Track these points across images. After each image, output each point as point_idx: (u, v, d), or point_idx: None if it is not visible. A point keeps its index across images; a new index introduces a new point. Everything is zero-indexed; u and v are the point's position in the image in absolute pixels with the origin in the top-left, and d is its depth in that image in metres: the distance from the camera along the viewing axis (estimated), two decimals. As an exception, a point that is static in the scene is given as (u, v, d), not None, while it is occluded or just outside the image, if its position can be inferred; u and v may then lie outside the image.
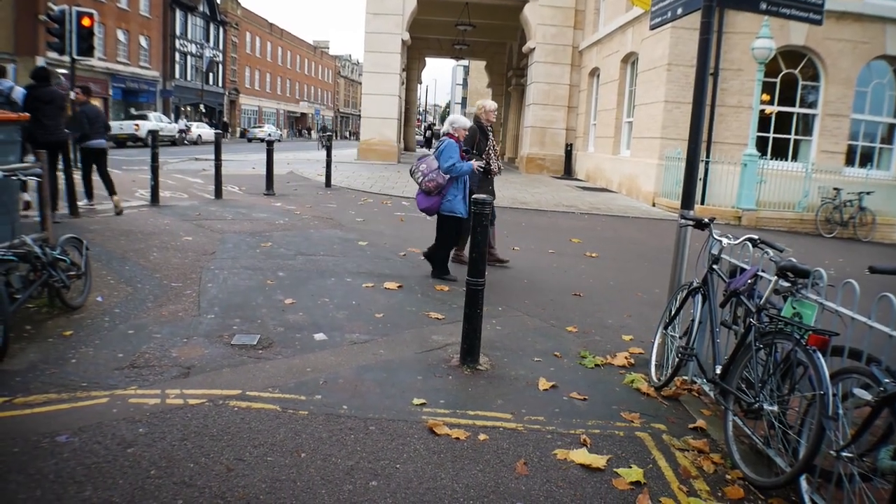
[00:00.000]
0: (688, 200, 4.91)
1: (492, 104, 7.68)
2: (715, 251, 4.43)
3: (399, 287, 6.75)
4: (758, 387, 3.50)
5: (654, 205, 16.18)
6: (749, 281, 4.00)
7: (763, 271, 4.01)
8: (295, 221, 10.49)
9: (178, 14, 49.76)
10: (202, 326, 5.19)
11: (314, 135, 77.71)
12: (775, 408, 3.41)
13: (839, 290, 3.29)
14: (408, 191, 15.68)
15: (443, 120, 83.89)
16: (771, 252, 3.95)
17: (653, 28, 5.85)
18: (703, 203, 14.83)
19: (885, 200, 14.94)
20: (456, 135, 6.74)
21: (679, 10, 5.23)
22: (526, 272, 7.90)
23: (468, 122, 7.15)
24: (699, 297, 4.36)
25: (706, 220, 4.47)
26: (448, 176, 6.53)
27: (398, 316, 5.79)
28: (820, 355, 3.12)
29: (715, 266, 4.35)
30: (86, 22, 16.00)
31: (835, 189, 14.61)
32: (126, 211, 10.57)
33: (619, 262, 9.08)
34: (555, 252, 9.42)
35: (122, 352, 4.55)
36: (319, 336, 5.11)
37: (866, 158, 16.88)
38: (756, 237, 4.23)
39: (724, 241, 4.33)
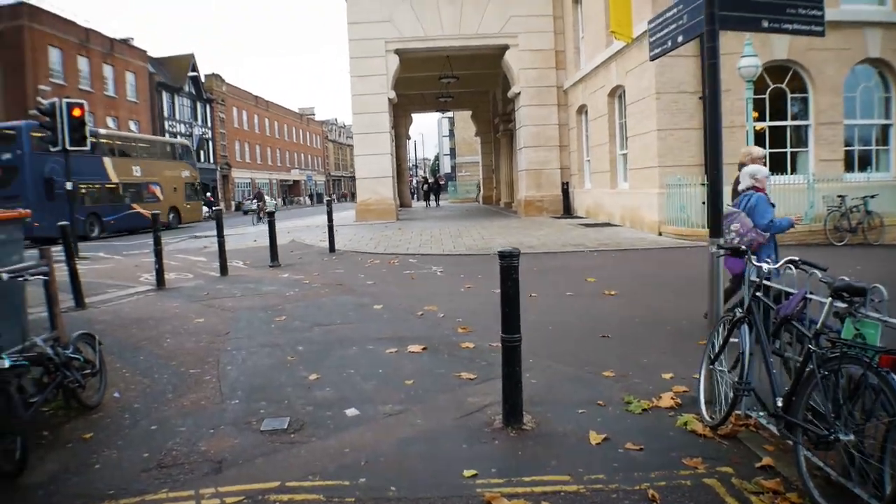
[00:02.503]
0: (717, 228, 4.75)
1: (759, 150, 6.97)
2: (755, 277, 4.25)
3: (423, 349, 6.53)
4: (830, 416, 3.28)
5: (660, 234, 16.04)
6: (799, 305, 3.81)
7: (811, 293, 3.84)
8: (305, 291, 10.31)
9: (165, 96, 50.54)
10: (227, 414, 4.96)
11: (305, 200, 78.19)
12: (852, 437, 3.19)
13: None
14: (413, 248, 15.58)
15: (434, 173, 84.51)
16: (819, 273, 3.76)
17: (653, 59, 5.76)
18: (708, 226, 14.63)
19: (889, 201, 14.78)
20: (761, 186, 6.01)
21: (680, 38, 5.15)
22: (548, 318, 7.69)
23: (767, 172, 6.34)
24: (745, 328, 4.16)
25: (744, 247, 4.29)
26: (768, 234, 5.91)
27: (428, 380, 5.57)
28: (895, 376, 2.92)
29: (758, 293, 4.15)
30: (76, 112, 16.13)
31: (839, 196, 14.48)
32: (134, 297, 10.40)
33: (639, 297, 8.87)
34: (573, 294, 9.21)
35: (148, 451, 4.31)
36: (351, 411, 4.88)
37: (865, 162, 16.88)
38: (797, 258, 4.05)
39: (765, 266, 4.14)
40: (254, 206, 34.94)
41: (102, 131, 32.73)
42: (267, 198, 41.42)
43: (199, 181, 39.88)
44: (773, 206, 5.96)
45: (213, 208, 15.42)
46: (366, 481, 3.71)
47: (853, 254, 12.59)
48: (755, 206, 5.64)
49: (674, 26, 5.23)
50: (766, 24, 4.87)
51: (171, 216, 34.25)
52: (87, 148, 17.70)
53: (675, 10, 5.20)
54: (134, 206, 30.45)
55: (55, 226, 24.46)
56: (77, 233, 26.50)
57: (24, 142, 24.70)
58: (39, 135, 23.16)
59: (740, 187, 5.55)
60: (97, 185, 29.11)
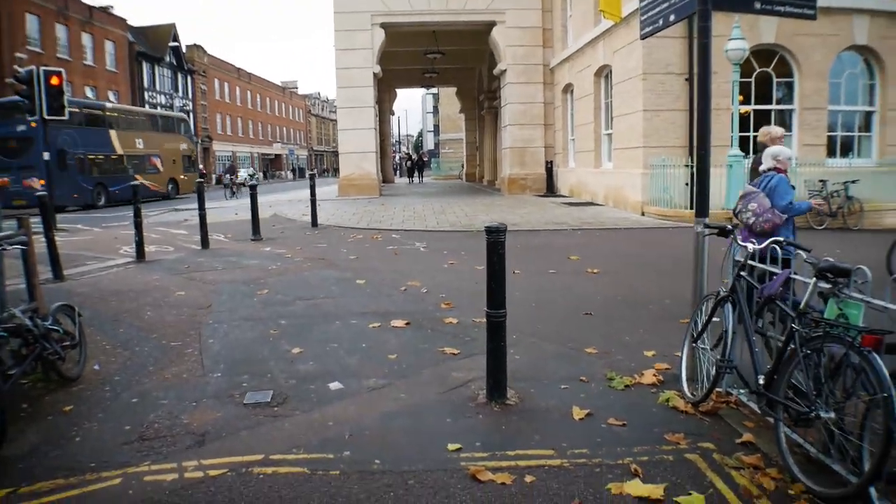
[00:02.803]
0: (703, 208, 4.76)
1: (778, 130, 6.90)
2: (740, 257, 4.27)
3: (407, 324, 6.52)
4: (811, 394, 3.32)
5: (643, 214, 16.10)
6: (783, 285, 3.85)
7: (795, 273, 3.87)
8: (288, 265, 10.25)
9: (145, 66, 49.64)
10: (210, 387, 4.93)
11: (288, 174, 77.57)
12: (832, 414, 3.23)
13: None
14: (396, 224, 15.53)
15: (417, 149, 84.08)
16: (804, 254, 3.79)
17: (643, 37, 5.73)
18: (691, 207, 14.73)
19: (870, 187, 14.93)
20: (782, 167, 6.00)
21: (672, 17, 5.12)
22: (532, 295, 7.70)
23: (790, 153, 6.33)
24: (729, 307, 4.18)
25: (729, 226, 4.31)
26: (785, 216, 5.87)
27: (412, 355, 5.57)
28: (876, 356, 2.96)
29: (742, 273, 4.18)
30: (54, 81, 15.79)
31: (820, 181, 14.58)
32: (113, 269, 10.29)
33: (622, 276, 8.91)
34: (556, 272, 9.24)
35: (129, 423, 4.27)
36: (335, 385, 4.87)
37: (847, 148, 17.02)
38: (781, 239, 4.08)
39: (750, 246, 4.16)
40: (227, 181, 34.19)
41: (108, 105, 34.13)
42: (242, 171, 40.97)
43: (196, 153, 40.88)
44: (793, 188, 5.93)
45: (196, 181, 15.35)
46: (350, 454, 3.71)
47: (833, 237, 12.71)
48: (775, 188, 5.49)
49: (665, 5, 5.19)
50: (758, 5, 4.86)
51: (170, 187, 35.17)
52: (66, 117, 17.55)
53: (666, -12, 5.16)
54: (137, 176, 30.68)
55: (69, 195, 25.18)
56: (86, 201, 27.94)
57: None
58: None
59: (761, 168, 5.47)
60: (103, 157, 30.11)
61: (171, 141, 36.71)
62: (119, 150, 31.42)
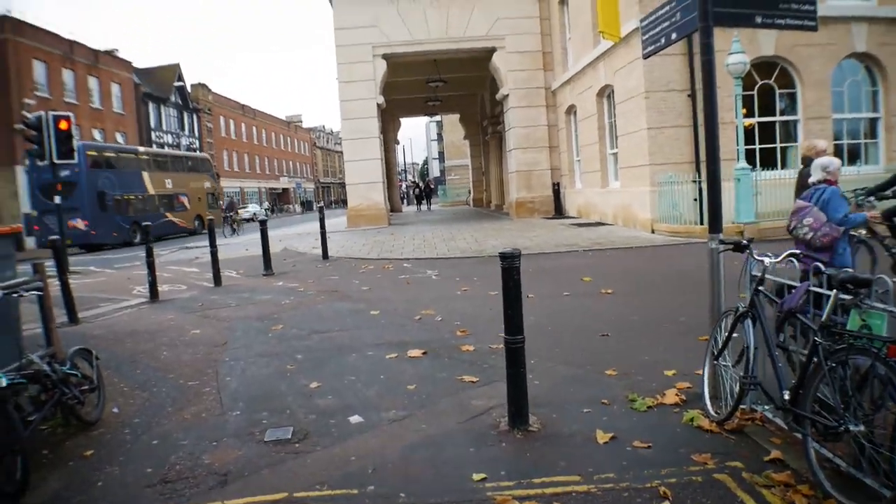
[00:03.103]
0: (716, 223, 4.73)
1: (822, 142, 6.85)
2: (756, 272, 4.24)
3: (423, 354, 6.50)
4: (839, 408, 3.27)
5: (653, 231, 16.06)
6: (803, 298, 3.81)
7: (814, 285, 3.83)
8: (301, 299, 10.25)
9: (151, 107, 50.31)
10: (229, 425, 4.90)
11: (296, 208, 77.92)
12: (862, 427, 3.18)
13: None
14: (406, 252, 15.54)
15: (423, 177, 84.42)
16: (822, 267, 3.76)
17: (646, 57, 5.76)
18: (701, 223, 14.72)
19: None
20: (833, 179, 5.84)
21: (673, 35, 5.15)
22: (547, 319, 7.66)
23: (839, 163, 6.17)
24: (749, 322, 4.14)
25: (744, 241, 4.28)
26: (842, 228, 5.71)
27: (431, 385, 5.53)
28: (903, 366, 2.92)
29: (760, 287, 4.14)
30: (63, 125, 16.00)
31: (829, 190, 14.50)
32: (127, 310, 10.32)
33: (636, 296, 8.86)
34: (570, 294, 9.20)
35: (151, 466, 4.25)
36: (355, 419, 4.84)
37: (854, 155, 16.97)
38: (798, 251, 4.06)
39: (767, 260, 4.13)
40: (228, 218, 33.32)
41: (141, 149, 37.13)
42: (251, 206, 41.61)
43: (218, 191, 43.54)
44: (847, 199, 5.78)
45: (206, 219, 15.53)
46: (374, 489, 3.68)
47: (846, 246, 12.61)
48: (829, 200, 5.27)
49: (667, 24, 5.23)
50: (759, 19, 4.88)
51: (197, 223, 37.00)
52: (74, 161, 17.91)
53: (668, 8, 5.20)
54: (167, 214, 33.84)
55: (108, 233, 26.92)
56: (124, 239, 29.62)
57: (81, 159, 26.94)
58: (94, 153, 29.97)
59: (811, 180, 5.35)
60: (137, 197, 32.31)
61: (196, 180, 38.92)
62: (151, 190, 33.46)
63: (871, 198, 8.28)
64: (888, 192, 8.31)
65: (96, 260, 22.80)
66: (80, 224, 26.85)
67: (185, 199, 36.67)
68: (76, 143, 29.45)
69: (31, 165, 28.09)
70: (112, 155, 31.90)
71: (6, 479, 3.91)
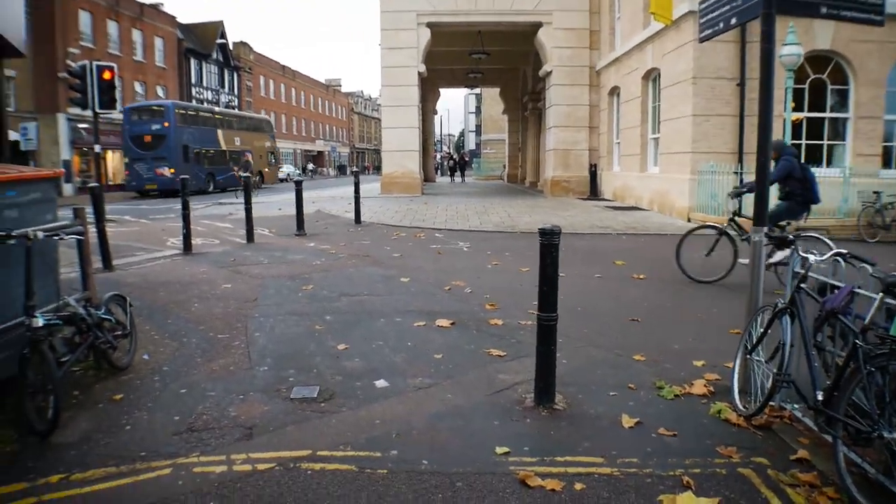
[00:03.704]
0: (761, 217, 4.63)
1: None
2: (799, 269, 4.15)
3: (452, 324, 6.50)
4: (874, 413, 3.20)
5: (689, 220, 15.83)
6: (846, 299, 3.72)
7: (859, 287, 3.74)
8: (332, 261, 10.30)
9: (193, 63, 50.50)
10: (257, 380, 4.96)
11: (331, 171, 78.17)
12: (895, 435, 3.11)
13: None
14: (439, 223, 15.52)
15: (458, 149, 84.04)
16: (869, 268, 3.67)
17: (702, 40, 5.61)
18: (739, 215, 14.46)
19: (926, 200, 14.48)
20: None
21: (734, 20, 5.00)
22: (577, 299, 7.61)
23: None
24: (787, 319, 4.06)
25: (790, 236, 4.19)
26: None
27: (458, 355, 5.54)
28: (946, 376, 2.84)
29: (803, 285, 4.06)
30: (106, 75, 16.11)
31: (874, 192, 14.18)
32: (161, 261, 10.48)
33: (668, 283, 8.76)
34: (601, 276, 9.13)
35: (178, 414, 4.33)
36: (381, 383, 4.87)
37: (902, 159, 16.52)
38: (845, 251, 3.95)
39: (812, 257, 4.04)
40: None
41: (217, 109, 42.32)
42: (285, 167, 42.29)
43: (276, 149, 48.38)
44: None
45: (243, 174, 15.67)
46: (397, 454, 3.70)
47: (886, 251, 12.32)
48: None
49: (727, 7, 5.07)
50: (824, 9, 4.70)
51: (258, 178, 39.25)
52: (118, 110, 18.20)
53: (729, -9, 5.05)
54: (235, 168, 35.53)
55: (189, 182, 29.64)
56: (201, 187, 32.33)
57: (171, 116, 32.66)
58: (182, 111, 34.42)
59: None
60: (213, 151, 36.26)
61: (259, 139, 42.89)
62: (223, 146, 37.44)
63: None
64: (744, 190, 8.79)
65: (132, 210, 23.14)
66: (166, 172, 30.63)
67: (250, 156, 38.38)
68: (166, 101, 35.22)
69: (126, 118, 32.82)
70: (194, 113, 36.33)
71: (38, 417, 4.01)
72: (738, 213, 9.20)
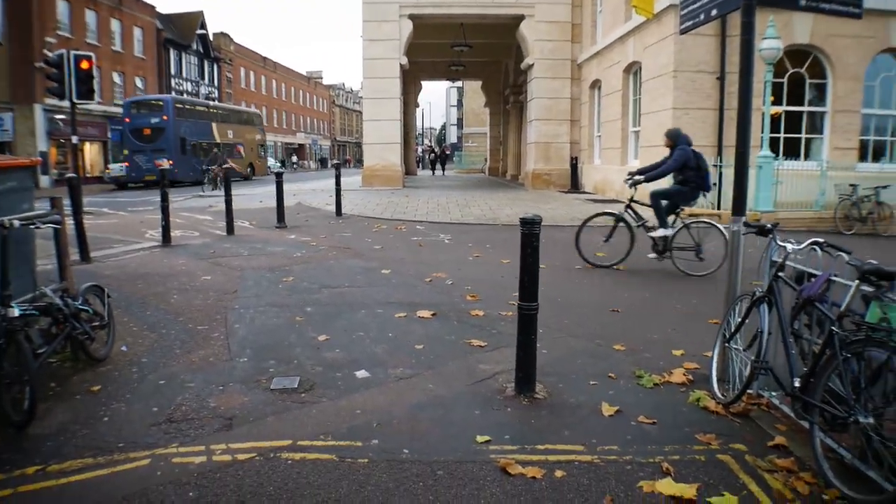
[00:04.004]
0: (739, 207, 4.67)
1: None
2: (777, 257, 4.19)
3: (433, 315, 6.50)
4: (850, 399, 3.24)
5: (669, 213, 15.94)
6: (823, 287, 3.76)
7: (835, 275, 3.78)
8: (313, 253, 10.26)
9: (172, 53, 49.92)
10: (237, 371, 4.93)
11: (312, 164, 77.77)
12: (871, 420, 3.16)
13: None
14: (420, 215, 15.51)
15: (440, 142, 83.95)
16: (845, 256, 3.71)
17: (683, 32, 5.64)
18: (718, 207, 14.61)
19: (901, 193, 14.69)
20: None
21: (714, 12, 5.04)
22: (558, 290, 7.64)
23: None
24: (765, 307, 4.10)
25: (769, 226, 4.22)
26: None
27: (439, 346, 5.54)
28: (922, 362, 2.89)
29: (780, 273, 4.10)
30: (84, 65, 15.91)
31: (851, 185, 14.38)
32: (140, 252, 10.37)
33: (649, 274, 8.83)
34: (581, 268, 9.17)
35: (157, 405, 4.29)
36: (362, 373, 4.86)
37: (879, 153, 16.77)
38: (822, 240, 3.99)
39: (789, 246, 4.08)
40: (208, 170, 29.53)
41: (212, 103, 44.74)
42: (270, 160, 42.51)
43: (265, 142, 50.35)
44: None
45: (224, 166, 15.63)
46: (378, 443, 3.69)
47: (862, 243, 12.48)
48: None
49: (707, -1, 5.11)
50: (803, 2, 4.75)
51: (249, 170, 42.23)
52: (95, 101, 17.98)
53: (709, -18, 5.08)
54: (228, 160, 36.94)
55: (187, 173, 32.10)
56: (197, 178, 32.19)
57: (169, 110, 34.27)
58: (179, 105, 36.01)
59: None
60: (207, 144, 37.22)
61: (249, 132, 45.05)
62: (217, 139, 38.82)
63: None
64: (641, 178, 9.25)
65: (110, 202, 22.90)
66: (165, 163, 30.08)
67: (241, 148, 42.11)
68: (164, 96, 36.86)
69: (126, 111, 34.59)
70: (191, 107, 38.10)
71: (14, 409, 3.95)
72: (633, 199, 9.43)
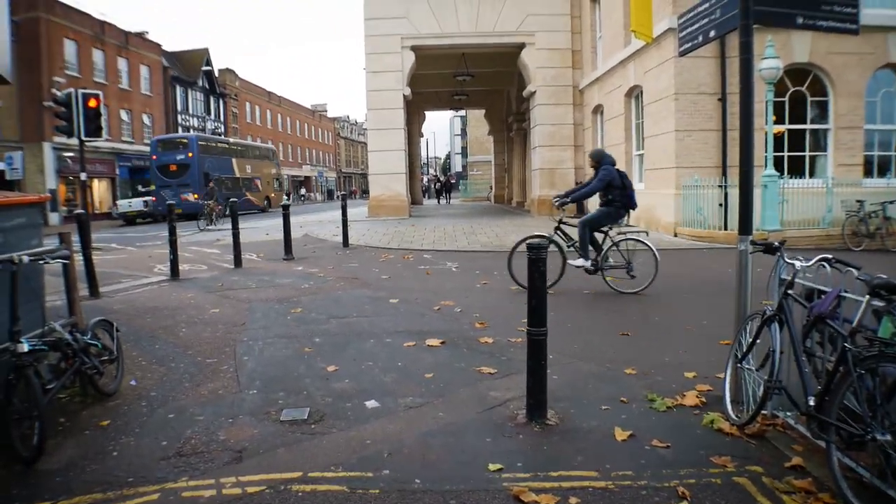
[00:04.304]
0: (746, 226, 4.65)
1: None
2: (786, 275, 4.16)
3: (442, 343, 6.47)
4: (867, 416, 3.20)
5: (675, 235, 15.92)
6: (833, 303, 3.73)
7: (845, 291, 3.75)
8: (320, 284, 10.26)
9: (178, 90, 50.58)
10: (246, 404, 4.91)
11: (318, 196, 78.12)
12: (889, 437, 3.11)
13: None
14: (427, 244, 15.52)
15: (445, 171, 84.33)
16: (854, 271, 3.68)
17: (682, 54, 5.68)
18: (725, 228, 14.58)
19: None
20: None
21: (712, 33, 5.08)
22: (567, 315, 7.61)
23: None
24: (776, 326, 4.07)
25: (776, 243, 4.21)
26: None
27: (449, 374, 5.51)
28: (936, 376, 2.85)
29: (790, 291, 4.07)
30: (92, 103, 16.13)
31: (857, 201, 14.36)
32: (148, 287, 10.40)
33: (658, 297, 8.77)
34: (589, 292, 9.14)
35: (166, 439, 4.26)
36: (371, 403, 4.83)
37: (884, 168, 16.74)
38: (830, 256, 3.96)
39: (798, 263, 4.05)
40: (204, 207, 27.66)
41: (231, 139, 47.56)
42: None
43: (281, 176, 52.58)
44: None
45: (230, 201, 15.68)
46: (389, 473, 3.66)
47: (871, 259, 12.43)
48: None
49: (705, 21, 5.15)
50: (800, 20, 4.77)
51: (266, 202, 44.18)
52: (103, 138, 18.18)
53: (707, 5, 5.13)
54: (247, 194, 41.25)
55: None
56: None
57: (194, 147, 36.50)
58: (203, 143, 38.19)
59: None
60: (228, 178, 39.20)
61: (266, 166, 47.33)
62: (237, 174, 41.12)
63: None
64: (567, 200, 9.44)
65: (119, 237, 23.02)
66: (191, 197, 33.89)
67: (258, 182, 44.50)
68: (189, 134, 39.29)
69: (153, 149, 36.81)
70: (214, 144, 40.46)
71: (23, 444, 3.94)
72: (562, 221, 9.65)
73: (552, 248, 9.18)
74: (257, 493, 3.46)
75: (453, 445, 4.04)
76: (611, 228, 9.42)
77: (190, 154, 36.21)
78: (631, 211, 9.53)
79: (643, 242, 9.11)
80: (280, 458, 3.90)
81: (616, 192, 9.21)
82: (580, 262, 9.29)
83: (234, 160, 41.31)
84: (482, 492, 3.42)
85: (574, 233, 9.49)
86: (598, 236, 9.40)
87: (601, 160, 9.43)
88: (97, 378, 5.00)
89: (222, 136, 50.30)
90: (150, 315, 8.18)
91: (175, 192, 33.79)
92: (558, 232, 9.51)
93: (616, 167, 9.41)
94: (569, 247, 9.40)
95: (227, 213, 35.99)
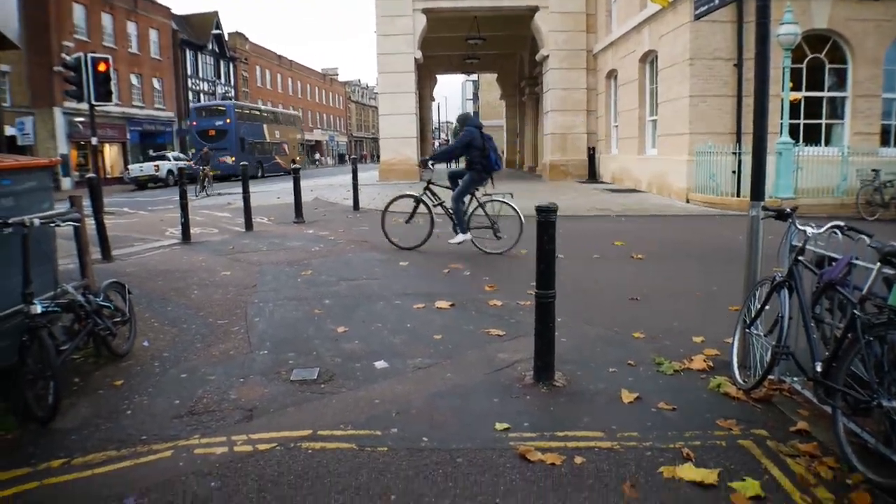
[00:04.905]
0: (759, 191, 4.61)
1: None
2: (797, 242, 4.14)
3: (451, 306, 6.50)
4: (874, 383, 3.20)
5: (688, 201, 15.84)
6: (844, 271, 3.71)
7: (856, 258, 3.73)
8: (330, 247, 10.31)
9: (188, 54, 50.29)
10: (257, 364, 4.97)
11: (329, 160, 77.98)
12: (895, 403, 3.12)
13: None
14: (437, 209, 15.42)
15: (455, 135, 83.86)
16: (866, 239, 3.65)
17: (697, 17, 5.59)
18: (738, 195, 14.48)
19: (925, 178, 14.46)
20: None
21: (729, -7, 4.98)
22: (576, 279, 7.61)
23: None
24: (785, 292, 4.06)
25: (788, 209, 4.18)
26: None
27: (457, 336, 5.55)
28: (946, 344, 2.84)
29: (801, 257, 4.05)
30: (101, 67, 16.09)
31: (873, 171, 14.16)
32: (160, 250, 10.48)
33: (667, 262, 8.77)
34: (600, 257, 9.14)
35: (178, 398, 4.33)
36: (380, 364, 4.88)
37: (901, 136, 16.49)
38: (842, 224, 3.93)
39: (809, 230, 4.03)
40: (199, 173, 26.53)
41: (262, 107, 49.99)
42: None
43: (305, 140, 57.04)
44: None
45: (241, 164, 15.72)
46: (398, 432, 3.71)
47: (885, 228, 12.29)
48: None
49: (722, -19, 5.06)
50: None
51: (292, 164, 42.70)
52: (113, 102, 18.17)
53: (724, -35, 5.03)
54: (276, 157, 45.58)
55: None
56: (253, 174, 36.40)
57: (231, 114, 40.48)
58: (239, 110, 42.08)
59: None
60: (260, 143, 43.47)
61: (292, 132, 51.66)
62: (268, 139, 45.12)
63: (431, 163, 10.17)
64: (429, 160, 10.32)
65: (130, 202, 23.13)
66: (229, 160, 37.02)
67: (286, 147, 48.35)
68: (227, 102, 43.57)
69: (194, 116, 41.15)
70: (248, 111, 44.17)
71: (38, 404, 4.01)
72: (431, 182, 10.04)
73: (421, 208, 9.84)
74: (268, 450, 3.52)
75: (461, 405, 4.08)
76: (476, 190, 9.67)
77: (228, 120, 39.77)
78: (493, 175, 9.80)
79: (508, 204, 9.33)
80: (290, 417, 3.96)
81: (476, 154, 9.48)
82: (460, 237, 9.59)
83: (265, 126, 44.73)
84: (489, 450, 3.46)
85: (442, 193, 9.90)
86: (465, 199, 9.68)
87: (465, 122, 9.88)
88: (110, 339, 5.07)
89: (253, 104, 52.25)
90: (162, 278, 8.25)
91: (215, 154, 35.56)
92: (427, 192, 9.91)
93: (481, 130, 9.71)
94: (436, 205, 9.86)
95: (261, 174, 39.38)
